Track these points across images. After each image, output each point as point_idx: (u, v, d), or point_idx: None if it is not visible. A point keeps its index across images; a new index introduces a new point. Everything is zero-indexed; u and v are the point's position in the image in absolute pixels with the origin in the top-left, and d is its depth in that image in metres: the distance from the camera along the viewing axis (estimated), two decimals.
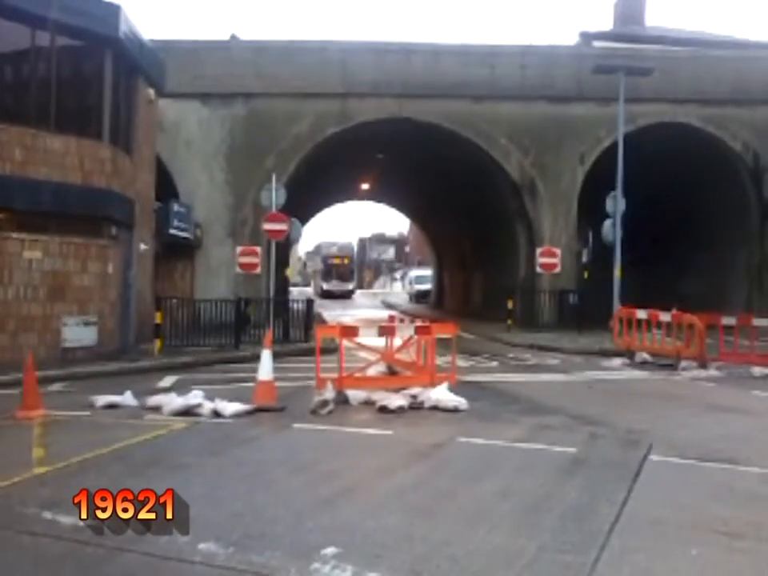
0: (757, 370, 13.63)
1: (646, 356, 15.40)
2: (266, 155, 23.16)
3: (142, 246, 17.17)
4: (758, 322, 15.00)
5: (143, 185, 17.49)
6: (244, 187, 23.09)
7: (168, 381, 12.43)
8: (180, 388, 10.88)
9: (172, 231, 19.83)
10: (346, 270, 61.90)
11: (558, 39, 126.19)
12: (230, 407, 9.17)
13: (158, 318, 15.76)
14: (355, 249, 72.05)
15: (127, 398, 9.86)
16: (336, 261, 61.64)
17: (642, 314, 15.74)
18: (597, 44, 31.37)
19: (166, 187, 21.15)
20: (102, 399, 9.79)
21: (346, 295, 59.17)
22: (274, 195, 18.97)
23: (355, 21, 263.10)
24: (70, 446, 7.43)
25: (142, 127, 17.23)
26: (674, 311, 15.41)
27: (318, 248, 73.98)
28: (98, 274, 14.73)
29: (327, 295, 57.58)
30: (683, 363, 14.24)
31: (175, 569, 4.44)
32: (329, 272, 61.80)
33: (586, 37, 33.53)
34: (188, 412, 9.12)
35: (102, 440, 7.65)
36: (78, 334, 14.25)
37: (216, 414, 9.08)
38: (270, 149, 23.24)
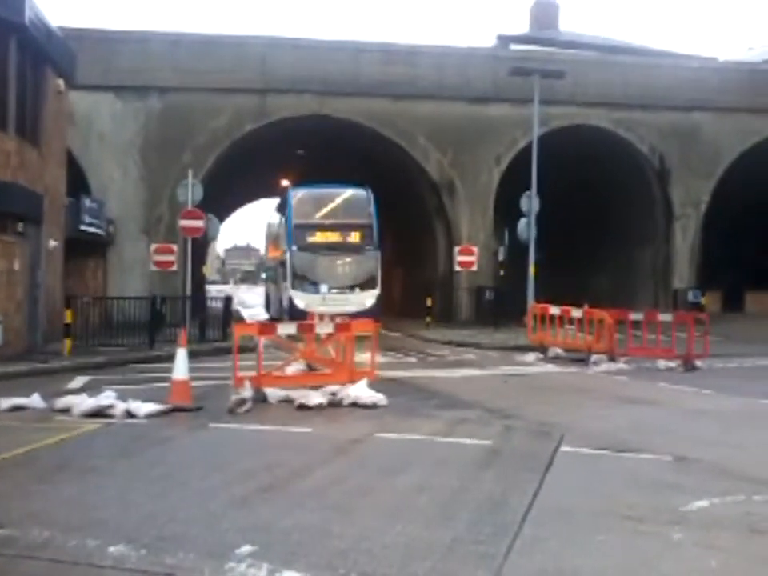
0: (662, 363, 14.25)
1: (558, 351, 15.87)
2: (183, 150, 22.68)
3: (51, 243, 16.52)
4: (663, 317, 15.68)
5: (52, 179, 16.82)
6: (159, 183, 22.54)
7: (79, 382, 12.01)
8: (92, 389, 10.52)
9: (83, 227, 19.19)
10: (359, 257, 22.67)
11: (477, 41, 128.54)
12: (144, 407, 8.94)
13: (68, 317, 15.20)
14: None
15: (35, 400, 9.48)
16: (332, 236, 22.62)
17: (554, 310, 16.23)
18: (513, 47, 32.17)
19: (77, 182, 20.42)
20: (6, 401, 9.37)
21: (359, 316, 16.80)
22: (191, 191, 18.56)
23: (275, 17, 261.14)
24: None
25: (50, 119, 16.56)
26: (586, 307, 15.95)
27: (281, 225, 24.99)
28: (2, 272, 14.08)
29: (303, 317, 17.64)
30: (594, 357, 14.74)
31: (84, 574, 4.30)
32: (312, 263, 22.38)
33: (504, 39, 34.33)
34: (100, 413, 8.85)
35: (6, 444, 7.32)
36: None
37: (129, 414, 8.83)
38: (187, 144, 22.77)
